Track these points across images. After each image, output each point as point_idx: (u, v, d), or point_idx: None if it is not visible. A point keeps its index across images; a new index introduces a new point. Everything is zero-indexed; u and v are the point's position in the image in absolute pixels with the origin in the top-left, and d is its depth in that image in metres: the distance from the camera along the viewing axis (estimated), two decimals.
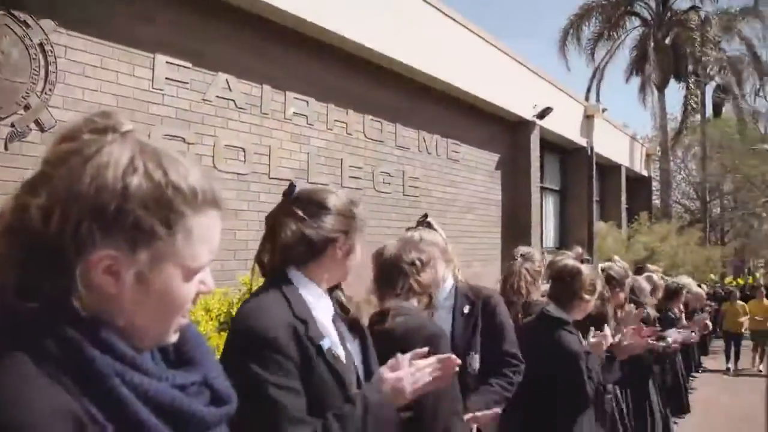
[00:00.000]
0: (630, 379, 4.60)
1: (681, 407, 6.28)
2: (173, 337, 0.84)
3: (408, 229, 2.57)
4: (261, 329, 1.39)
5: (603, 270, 3.45)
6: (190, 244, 0.78)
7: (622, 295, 3.75)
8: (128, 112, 4.15)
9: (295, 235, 1.53)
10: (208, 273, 0.84)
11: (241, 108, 5.11)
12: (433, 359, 1.60)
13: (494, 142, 9.06)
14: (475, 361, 2.37)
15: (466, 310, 2.46)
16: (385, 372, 1.54)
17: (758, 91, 22.81)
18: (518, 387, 2.43)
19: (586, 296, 2.73)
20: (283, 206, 1.58)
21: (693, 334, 5.71)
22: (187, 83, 4.66)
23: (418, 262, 2.00)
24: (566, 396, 2.65)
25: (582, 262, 2.78)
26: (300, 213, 1.55)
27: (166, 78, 4.50)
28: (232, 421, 0.89)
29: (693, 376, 9.35)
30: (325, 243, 1.56)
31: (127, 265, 0.73)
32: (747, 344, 11.57)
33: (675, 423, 6.86)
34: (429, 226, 2.53)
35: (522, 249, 3.42)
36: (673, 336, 5.11)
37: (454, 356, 1.62)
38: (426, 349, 1.64)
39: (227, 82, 4.99)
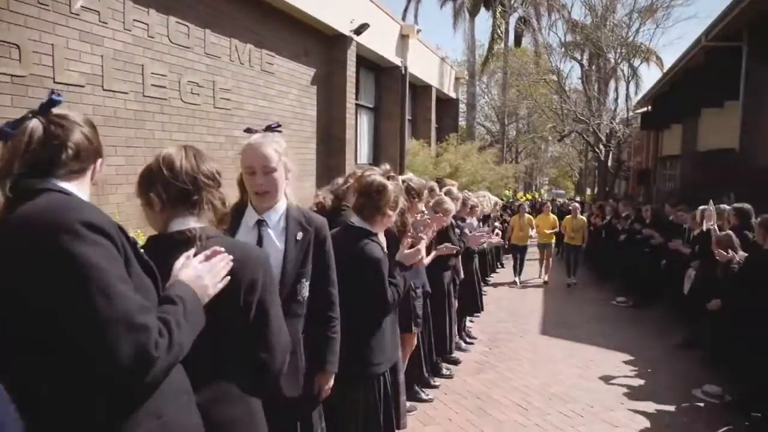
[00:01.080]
0: (432, 282, 5.04)
1: (475, 307, 7.06)
2: None
3: (248, 130, 2.30)
4: (91, 219, 1.25)
5: (403, 182, 3.64)
6: None
7: (420, 205, 4.05)
8: None
9: (83, 139, 1.42)
10: None
11: None
12: (212, 251, 1.60)
13: (310, 56, 8.88)
14: (305, 288, 2.30)
15: (299, 236, 2.29)
16: (182, 274, 1.51)
17: (551, 26, 25.01)
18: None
19: (389, 212, 2.86)
20: (48, 111, 1.41)
21: (487, 239, 6.44)
22: None
23: (217, 175, 1.77)
24: (370, 301, 2.80)
25: (389, 179, 2.89)
26: (78, 121, 1.44)
27: None
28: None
29: (486, 281, 10.54)
30: (98, 154, 1.49)
31: None
32: (534, 253, 12.49)
33: (471, 321, 7.75)
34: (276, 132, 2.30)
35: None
36: (467, 239, 5.72)
37: (221, 248, 1.62)
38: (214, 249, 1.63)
39: None
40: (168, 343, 1.29)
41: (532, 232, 12.09)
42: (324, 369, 2.43)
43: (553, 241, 12.10)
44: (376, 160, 11.63)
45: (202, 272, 1.53)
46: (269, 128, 2.30)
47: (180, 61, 6.14)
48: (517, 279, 11.64)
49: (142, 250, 1.44)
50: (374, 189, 2.82)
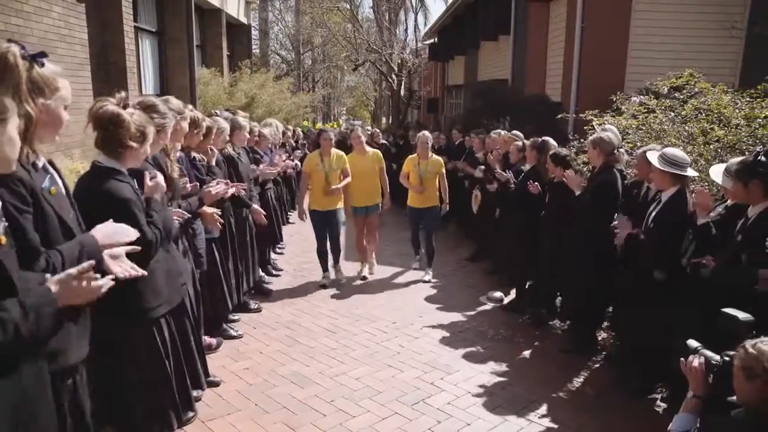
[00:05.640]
0: (235, 215, 4.92)
1: (273, 238, 7.07)
2: None
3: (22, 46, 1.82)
4: None
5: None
6: None
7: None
8: None
9: None
10: None
11: None
12: None
13: None
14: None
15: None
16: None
17: None
18: None
19: (133, 143, 2.61)
20: None
21: (276, 169, 6.41)
22: None
23: None
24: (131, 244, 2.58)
25: (124, 107, 2.61)
26: None
27: None
28: None
29: (290, 213, 10.50)
30: None
31: None
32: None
33: (278, 253, 7.74)
34: None
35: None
36: (259, 171, 5.66)
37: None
38: None
39: None
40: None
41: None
42: None
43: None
44: (163, 91, 10.69)
45: None
46: (34, 57, 1.81)
47: None
48: (332, 273, 6.72)
49: None
50: (108, 120, 2.55)
